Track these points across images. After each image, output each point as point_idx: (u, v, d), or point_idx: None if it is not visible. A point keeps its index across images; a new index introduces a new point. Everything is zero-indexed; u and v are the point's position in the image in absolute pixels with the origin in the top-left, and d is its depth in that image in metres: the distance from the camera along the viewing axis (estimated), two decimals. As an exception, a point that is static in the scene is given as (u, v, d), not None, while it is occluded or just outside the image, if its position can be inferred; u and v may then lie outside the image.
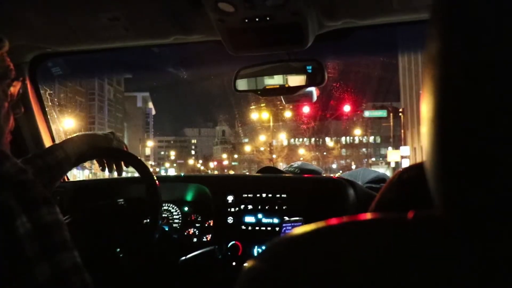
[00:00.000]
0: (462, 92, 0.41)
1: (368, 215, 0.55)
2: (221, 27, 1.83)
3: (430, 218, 0.50)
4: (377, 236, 0.51)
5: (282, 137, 33.36)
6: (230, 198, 2.38)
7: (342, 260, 0.49)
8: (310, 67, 2.04)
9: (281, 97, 2.27)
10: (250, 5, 1.67)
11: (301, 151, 32.44)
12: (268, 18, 1.76)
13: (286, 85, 2.09)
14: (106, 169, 1.94)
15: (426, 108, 0.46)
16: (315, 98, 2.28)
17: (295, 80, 2.07)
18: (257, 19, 1.76)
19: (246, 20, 1.77)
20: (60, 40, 2.13)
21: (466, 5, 0.41)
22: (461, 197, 0.43)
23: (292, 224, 2.12)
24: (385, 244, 0.49)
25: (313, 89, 2.16)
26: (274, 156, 31.58)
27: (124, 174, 2.08)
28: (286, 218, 2.23)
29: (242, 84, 2.16)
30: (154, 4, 1.77)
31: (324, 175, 2.99)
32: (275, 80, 2.10)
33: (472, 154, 0.41)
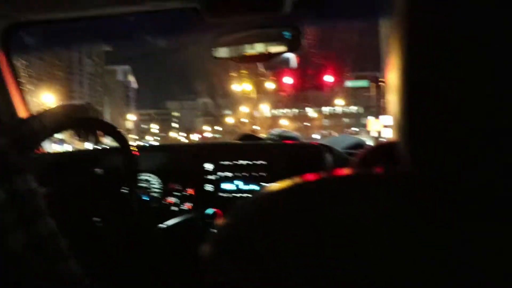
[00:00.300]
0: (427, 56, 0.43)
1: (339, 172, 0.56)
2: None
3: (398, 173, 0.52)
4: (348, 190, 0.52)
5: (265, 108, 33.35)
6: (208, 166, 2.38)
7: (313, 215, 0.49)
8: (288, 34, 2.04)
9: (260, 63, 2.27)
10: (225, -31, 1.65)
11: (284, 122, 32.48)
12: None
13: (265, 52, 2.08)
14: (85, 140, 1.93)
15: (395, 70, 0.48)
16: (294, 64, 2.28)
17: (273, 47, 2.06)
18: None
19: None
20: (33, 9, 2.09)
21: None
22: (427, 154, 0.46)
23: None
24: (357, 197, 0.50)
25: (292, 55, 2.16)
26: (257, 127, 31.56)
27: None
28: (265, 185, 2.24)
29: (220, 52, 2.15)
30: None
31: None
32: (253, 47, 2.09)
33: (435, 116, 0.44)
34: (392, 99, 0.49)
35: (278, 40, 2.04)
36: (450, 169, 0.45)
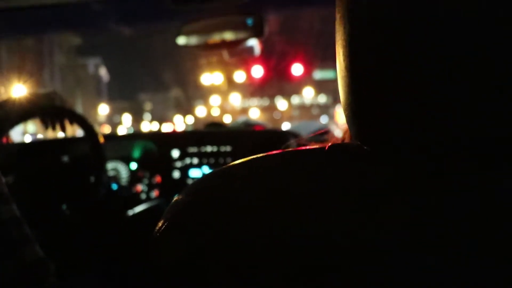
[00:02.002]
0: (366, 36, 0.45)
1: (289, 150, 0.57)
2: None
3: (343, 147, 0.54)
4: (298, 164, 0.53)
5: (236, 99, 33.30)
6: (175, 153, 2.38)
7: (264, 188, 0.50)
8: (251, 20, 2.04)
9: (225, 51, 2.26)
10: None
11: (255, 113, 32.53)
12: None
13: (227, 39, 2.08)
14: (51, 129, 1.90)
15: (339, 52, 0.49)
16: (257, 52, 2.28)
17: (236, 34, 2.06)
18: None
19: None
20: None
21: None
22: (371, 130, 0.48)
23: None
24: (305, 170, 0.51)
25: (255, 43, 2.16)
26: (229, 118, 31.56)
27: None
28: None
29: (184, 40, 2.14)
30: None
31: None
32: (216, 35, 2.09)
33: (375, 95, 0.46)
34: (339, 80, 0.50)
35: (241, 27, 2.04)
36: (388, 140, 0.47)
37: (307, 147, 0.57)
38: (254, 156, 0.56)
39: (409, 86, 0.43)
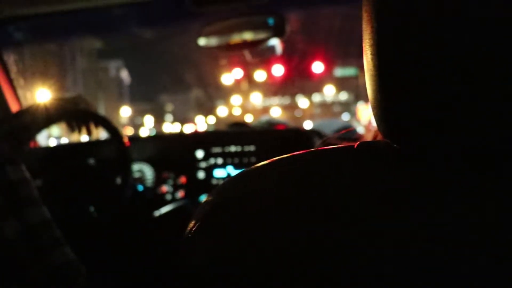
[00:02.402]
0: (396, 35, 0.45)
1: (319, 149, 0.57)
2: None
3: (372, 145, 0.54)
4: (327, 163, 0.53)
5: (257, 98, 33.33)
6: (200, 154, 2.39)
7: (292, 189, 0.50)
8: (272, 20, 2.04)
9: (246, 52, 2.27)
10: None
11: (276, 112, 32.49)
12: None
13: (250, 39, 2.09)
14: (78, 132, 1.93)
15: (367, 51, 0.49)
16: (279, 51, 2.28)
17: (257, 34, 2.06)
18: None
19: None
20: (18, 3, 2.08)
21: None
22: (400, 129, 0.48)
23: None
24: (334, 169, 0.51)
25: (277, 42, 2.16)
26: (250, 117, 31.56)
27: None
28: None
29: (205, 41, 2.15)
30: None
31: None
32: (238, 35, 2.09)
33: (405, 94, 0.46)
34: (368, 78, 0.50)
35: (263, 27, 2.04)
36: (417, 139, 0.47)
37: (336, 146, 0.57)
38: (281, 157, 0.56)
39: (438, 86, 0.43)
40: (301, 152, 0.56)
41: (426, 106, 0.44)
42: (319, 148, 0.56)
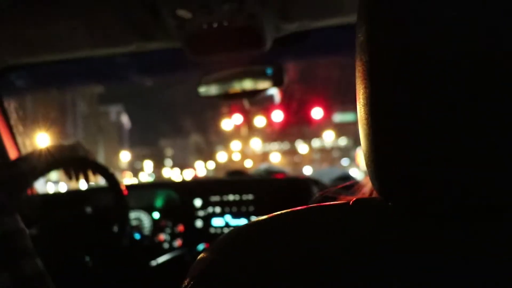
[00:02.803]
0: (388, 78, 0.45)
1: (314, 205, 0.57)
2: (180, 33, 1.83)
3: (367, 203, 0.55)
4: (321, 221, 0.53)
5: (257, 144, 33.47)
6: (198, 202, 2.38)
7: (289, 246, 0.50)
8: (271, 70, 2.06)
9: (245, 100, 2.29)
10: (207, 10, 1.68)
11: (276, 157, 32.56)
12: (225, 23, 1.77)
13: (248, 89, 2.10)
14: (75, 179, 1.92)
15: (358, 98, 0.50)
16: (277, 100, 2.30)
17: (256, 83, 2.08)
18: (215, 24, 1.77)
19: (205, 26, 1.78)
20: (22, 53, 2.11)
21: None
22: (394, 187, 0.48)
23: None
24: (329, 228, 0.51)
25: (275, 91, 2.18)
26: (249, 163, 31.62)
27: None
28: (254, 219, 2.24)
29: (205, 90, 2.17)
30: (113, 13, 1.77)
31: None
32: (237, 84, 2.11)
33: (399, 151, 0.46)
34: (362, 138, 0.51)
35: (261, 76, 2.07)
36: (411, 197, 0.47)
37: (332, 203, 0.57)
38: (279, 213, 0.56)
39: (430, 144, 0.43)
40: (297, 208, 0.56)
41: (418, 165, 0.45)
42: (316, 205, 0.56)
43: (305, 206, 0.56)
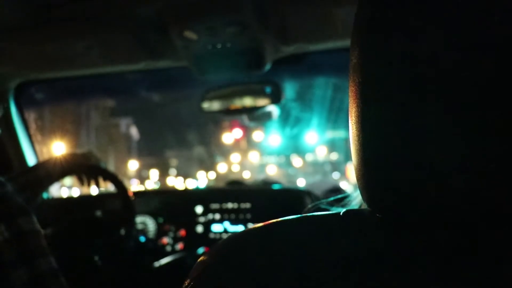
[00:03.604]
0: (379, 98, 0.45)
1: (307, 215, 0.57)
2: (186, 53, 1.85)
3: (357, 214, 0.54)
4: (312, 230, 0.53)
5: (255, 157, 33.51)
6: (199, 209, 2.38)
7: (281, 253, 0.50)
8: (269, 88, 2.08)
9: (245, 116, 2.30)
10: (212, 33, 1.69)
11: (272, 169, 32.59)
12: (229, 45, 1.78)
13: (248, 106, 2.12)
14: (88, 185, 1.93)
15: (350, 116, 0.50)
16: (275, 116, 2.31)
17: (256, 100, 2.10)
18: (219, 46, 1.78)
19: (209, 47, 1.79)
20: (41, 68, 2.13)
21: (381, 22, 0.45)
22: (381, 199, 0.48)
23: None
24: (319, 237, 0.52)
25: (273, 108, 2.19)
26: (248, 174, 31.69)
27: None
28: (250, 226, 2.24)
29: (208, 105, 2.19)
30: (124, 33, 1.78)
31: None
32: (237, 101, 2.13)
33: (388, 167, 0.46)
34: (352, 148, 0.51)
35: (260, 94, 2.08)
36: (398, 209, 0.47)
37: (323, 213, 0.57)
38: (274, 221, 0.56)
39: (419, 157, 0.43)
40: (291, 217, 0.56)
41: (404, 179, 0.45)
42: (308, 214, 0.56)
43: (299, 215, 0.56)
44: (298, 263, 0.48)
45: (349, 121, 0.50)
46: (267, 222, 0.56)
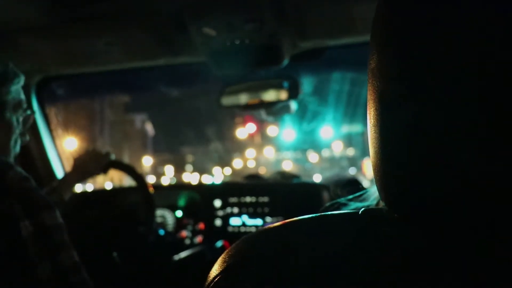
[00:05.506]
0: (397, 101, 0.47)
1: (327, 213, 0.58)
2: (205, 49, 1.88)
3: (375, 213, 0.55)
4: (332, 230, 0.55)
5: (270, 152, 33.46)
6: (217, 203, 2.41)
7: (301, 252, 0.52)
8: (287, 83, 2.10)
9: (263, 110, 2.33)
10: (230, 29, 1.72)
11: (288, 165, 32.47)
12: (247, 41, 1.81)
13: (265, 100, 2.14)
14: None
15: (369, 118, 0.52)
16: (293, 110, 2.33)
17: (274, 95, 2.12)
18: (237, 42, 1.81)
19: (228, 43, 1.82)
20: (63, 64, 2.18)
21: (399, 29, 0.46)
22: (399, 200, 0.50)
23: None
24: (339, 236, 0.53)
25: (290, 102, 2.21)
26: (263, 170, 31.58)
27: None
28: (268, 220, 2.28)
29: (226, 101, 2.22)
30: (145, 30, 1.82)
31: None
32: (255, 96, 2.15)
33: (406, 169, 0.47)
34: (371, 150, 0.52)
35: (279, 89, 2.11)
36: (416, 210, 0.49)
37: (343, 212, 0.59)
38: (293, 220, 0.57)
39: (436, 160, 0.45)
40: (311, 216, 0.57)
41: (422, 181, 0.46)
42: (329, 213, 0.58)
43: (318, 214, 0.58)
44: (317, 262, 0.49)
45: (368, 124, 0.52)
46: (288, 221, 0.57)
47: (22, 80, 1.37)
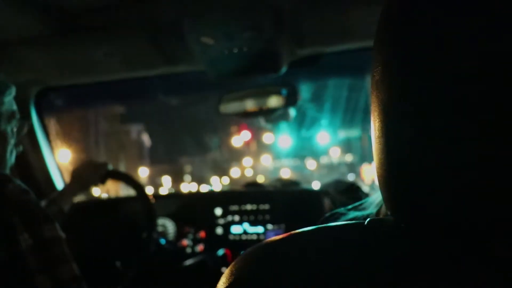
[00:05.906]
0: (402, 114, 0.47)
1: (331, 224, 0.59)
2: (203, 58, 1.90)
3: (380, 223, 0.56)
4: (336, 241, 0.54)
5: (267, 160, 33.46)
6: (218, 211, 2.42)
7: (306, 264, 0.52)
8: (285, 90, 2.12)
9: (261, 118, 2.35)
10: (229, 37, 1.74)
11: (286, 173, 32.46)
12: (245, 49, 1.83)
13: (264, 107, 2.16)
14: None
15: (373, 130, 0.52)
16: (292, 117, 2.35)
17: (272, 102, 2.14)
18: (235, 50, 1.83)
19: (226, 51, 1.84)
20: (62, 75, 2.19)
21: (404, 38, 0.47)
22: (406, 211, 0.50)
23: (275, 232, 2.19)
24: (343, 248, 0.53)
25: (289, 109, 2.23)
26: (261, 178, 31.56)
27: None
28: (269, 227, 2.29)
29: (225, 108, 2.23)
30: (143, 40, 1.84)
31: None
32: (254, 103, 2.17)
33: (411, 181, 0.48)
34: (376, 161, 0.53)
35: (277, 96, 2.12)
36: (423, 221, 0.49)
37: (348, 222, 0.58)
38: (299, 231, 0.57)
39: (443, 171, 0.45)
40: (315, 227, 0.57)
41: (429, 193, 0.46)
42: (332, 224, 0.58)
43: (321, 225, 0.58)
44: (323, 274, 0.49)
45: (372, 136, 0.53)
46: (290, 233, 0.57)
47: (14, 91, 1.39)
